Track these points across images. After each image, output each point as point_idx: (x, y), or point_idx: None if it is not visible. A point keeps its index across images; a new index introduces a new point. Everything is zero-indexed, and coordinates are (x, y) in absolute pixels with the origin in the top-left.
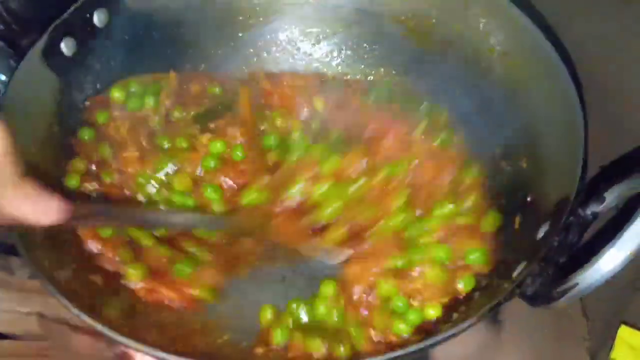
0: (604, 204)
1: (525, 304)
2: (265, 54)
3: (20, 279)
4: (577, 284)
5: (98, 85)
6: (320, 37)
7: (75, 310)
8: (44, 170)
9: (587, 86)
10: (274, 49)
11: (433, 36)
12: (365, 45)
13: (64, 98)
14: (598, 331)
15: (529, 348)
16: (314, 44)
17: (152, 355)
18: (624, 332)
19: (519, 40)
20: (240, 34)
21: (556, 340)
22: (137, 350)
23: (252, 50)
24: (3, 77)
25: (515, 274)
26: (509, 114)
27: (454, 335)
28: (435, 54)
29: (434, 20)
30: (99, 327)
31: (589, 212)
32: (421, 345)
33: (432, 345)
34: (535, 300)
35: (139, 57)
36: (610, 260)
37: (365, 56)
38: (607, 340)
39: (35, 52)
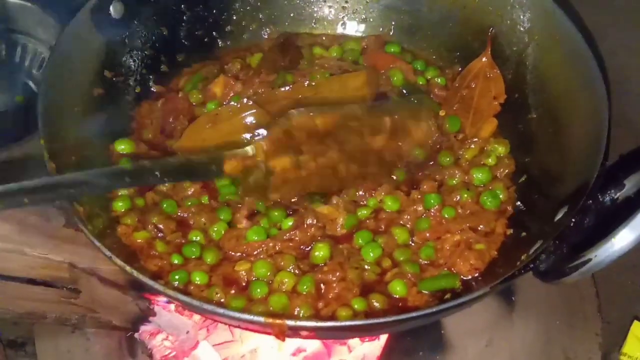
0: (623, 190)
1: (539, 289)
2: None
3: (56, 227)
4: (590, 259)
5: (145, 53)
6: (355, 19)
7: (108, 253)
8: (87, 130)
9: (612, 85)
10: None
11: (471, 22)
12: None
13: (108, 60)
14: (612, 331)
15: (540, 332)
16: (344, 24)
17: (184, 303)
18: (637, 328)
19: (553, 32)
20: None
21: (568, 329)
22: (171, 298)
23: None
24: (48, 46)
25: (530, 251)
26: (536, 98)
27: (466, 302)
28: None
29: (472, 6)
30: (133, 272)
31: (607, 197)
32: (433, 309)
33: (445, 312)
34: (547, 275)
35: (182, 27)
36: (623, 239)
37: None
38: (619, 341)
39: (84, 12)
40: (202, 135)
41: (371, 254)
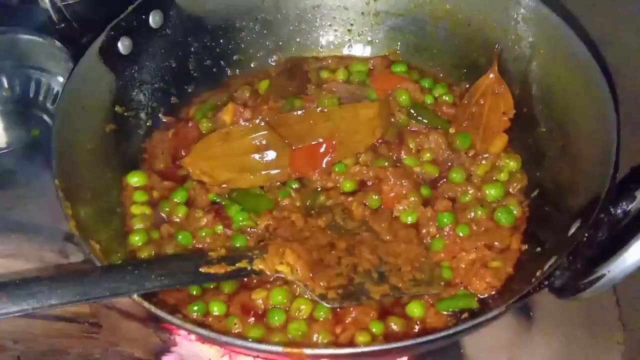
0: (635, 202)
1: (558, 302)
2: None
3: (74, 263)
4: (604, 275)
5: (155, 86)
6: (361, 41)
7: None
8: (100, 167)
9: (623, 92)
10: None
11: (476, 39)
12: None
13: (118, 95)
14: (634, 339)
15: (560, 344)
16: (350, 47)
17: (202, 336)
18: None
19: (558, 45)
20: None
21: (589, 340)
22: (190, 331)
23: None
24: (62, 79)
25: (545, 267)
26: (544, 112)
27: (483, 323)
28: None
29: (476, 23)
30: (151, 307)
31: (619, 210)
32: (450, 331)
33: (462, 333)
34: (562, 292)
35: (190, 60)
36: (635, 253)
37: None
38: None
39: (93, 50)
40: (211, 152)
41: None
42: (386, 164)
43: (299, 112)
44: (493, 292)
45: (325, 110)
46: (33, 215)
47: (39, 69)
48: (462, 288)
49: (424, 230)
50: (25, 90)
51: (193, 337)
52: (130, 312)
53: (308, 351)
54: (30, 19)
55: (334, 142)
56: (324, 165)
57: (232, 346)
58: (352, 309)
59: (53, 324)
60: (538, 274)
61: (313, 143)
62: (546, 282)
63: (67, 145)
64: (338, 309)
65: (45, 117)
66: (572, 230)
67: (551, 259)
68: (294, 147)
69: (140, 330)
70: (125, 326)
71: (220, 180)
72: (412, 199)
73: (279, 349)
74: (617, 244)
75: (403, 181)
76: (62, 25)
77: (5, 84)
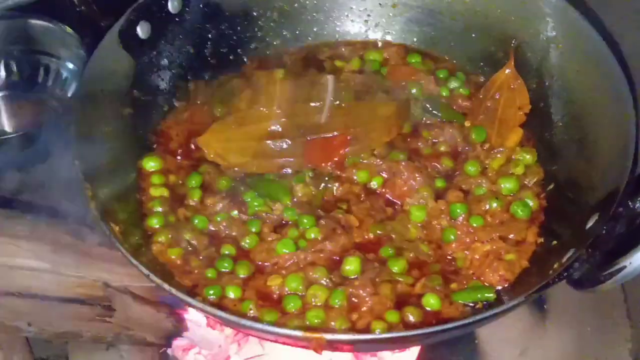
0: None
1: (570, 296)
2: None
3: (90, 246)
4: (625, 266)
5: (172, 71)
6: (378, 32)
7: (146, 271)
8: (117, 149)
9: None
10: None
11: (494, 32)
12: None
13: (136, 80)
14: None
15: (572, 338)
16: (366, 37)
17: (221, 319)
18: None
19: (576, 40)
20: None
21: (599, 336)
22: (209, 314)
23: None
24: (71, 66)
25: (564, 259)
26: (561, 106)
27: (501, 313)
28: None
29: (494, 17)
30: (166, 287)
31: (638, 204)
32: (469, 320)
33: (480, 322)
34: (581, 284)
35: (208, 46)
36: None
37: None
38: None
39: (113, 34)
40: (226, 135)
41: (395, 269)
42: (401, 156)
43: (317, 104)
44: (506, 285)
45: (343, 105)
46: (48, 197)
47: (49, 55)
48: (474, 279)
49: (434, 222)
50: (34, 76)
51: (203, 323)
52: (143, 297)
53: (328, 336)
54: (41, 3)
55: (348, 138)
56: (336, 159)
57: (250, 329)
58: (367, 298)
59: (66, 307)
60: (556, 265)
61: (328, 136)
62: (565, 274)
63: (86, 128)
64: (353, 298)
65: (54, 102)
66: (589, 224)
67: (569, 252)
68: (308, 138)
69: (153, 314)
70: (138, 310)
71: (233, 164)
72: (424, 193)
73: (299, 333)
74: (636, 236)
75: (416, 175)
76: (82, 7)
77: (15, 69)
